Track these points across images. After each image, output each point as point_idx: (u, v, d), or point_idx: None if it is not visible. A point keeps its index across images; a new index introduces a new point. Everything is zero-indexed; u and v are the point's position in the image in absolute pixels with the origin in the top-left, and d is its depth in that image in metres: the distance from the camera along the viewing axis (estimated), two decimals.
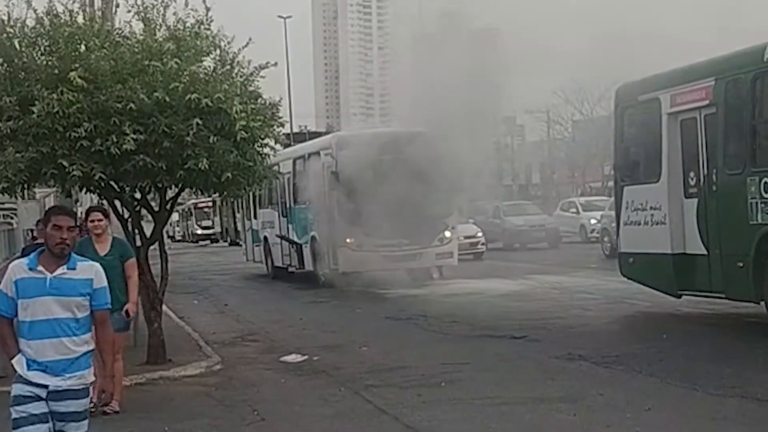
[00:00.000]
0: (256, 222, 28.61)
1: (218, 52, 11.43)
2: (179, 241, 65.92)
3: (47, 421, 5.32)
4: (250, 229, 29.59)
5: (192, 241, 62.65)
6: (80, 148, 10.46)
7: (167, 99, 10.52)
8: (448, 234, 22.13)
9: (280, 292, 23.31)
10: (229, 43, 11.49)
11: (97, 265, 5.62)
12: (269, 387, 10.85)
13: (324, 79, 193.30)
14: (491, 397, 9.45)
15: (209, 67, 11.31)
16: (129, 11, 11.30)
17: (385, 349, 12.87)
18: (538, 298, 18.11)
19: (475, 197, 29.09)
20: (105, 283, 5.55)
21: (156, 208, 12.57)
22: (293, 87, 61.07)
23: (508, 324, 14.42)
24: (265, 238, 27.41)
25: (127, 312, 9.29)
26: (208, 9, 11.35)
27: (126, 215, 12.62)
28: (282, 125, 12.42)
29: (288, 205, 25.32)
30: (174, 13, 11.31)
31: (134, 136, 10.39)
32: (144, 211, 12.97)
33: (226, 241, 53.63)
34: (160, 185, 11.56)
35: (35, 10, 11.04)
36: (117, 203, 12.43)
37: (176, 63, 10.62)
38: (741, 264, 12.46)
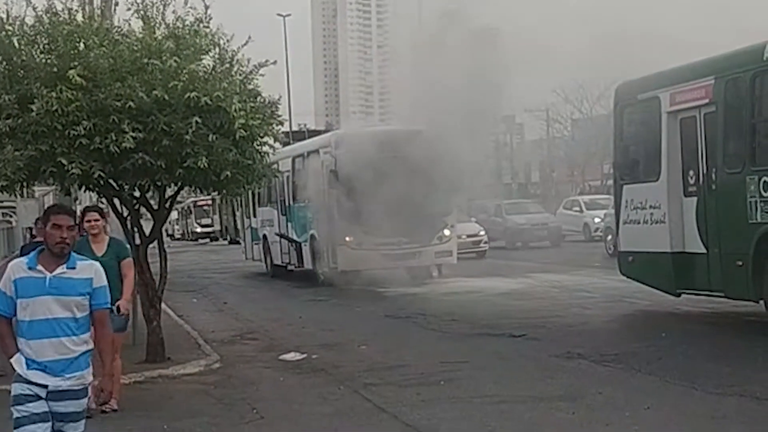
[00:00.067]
0: (256, 220, 28.62)
1: (217, 50, 11.42)
2: (178, 239, 65.92)
3: (48, 420, 5.30)
4: (249, 228, 29.59)
5: (191, 240, 62.66)
6: (79, 146, 10.45)
7: (166, 97, 10.51)
8: (447, 232, 22.14)
9: (279, 290, 23.31)
10: (228, 41, 11.49)
11: (97, 264, 5.61)
12: (268, 385, 10.85)
13: (323, 77, 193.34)
14: (490, 395, 9.45)
15: (208, 65, 11.30)
16: (129, 9, 11.30)
17: (384, 348, 12.87)
18: (537, 297, 18.11)
19: (474, 196, 29.10)
20: (105, 283, 5.53)
21: (155, 207, 12.57)
22: (292, 85, 61.14)
23: (508, 322, 14.43)
24: (265, 236, 27.42)
25: (118, 308, 9.20)
26: (207, 7, 11.34)
27: (125, 213, 12.60)
28: (281, 123, 12.42)
29: (287, 204, 25.33)
30: (173, 12, 11.31)
31: (133, 135, 10.38)
32: (143, 210, 12.96)
33: (225, 239, 53.61)
34: (159, 183, 11.56)
35: (34, 8, 11.04)
36: (116, 201, 12.42)
37: (175, 61, 10.61)
38: (740, 263, 12.46)
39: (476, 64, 18.89)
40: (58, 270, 5.37)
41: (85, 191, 14.45)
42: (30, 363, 5.32)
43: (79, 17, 11.19)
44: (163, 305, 12.86)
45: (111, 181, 11.40)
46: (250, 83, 11.56)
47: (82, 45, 10.61)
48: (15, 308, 5.36)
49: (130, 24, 11.42)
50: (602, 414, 8.49)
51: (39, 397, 5.29)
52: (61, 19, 10.93)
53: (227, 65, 11.41)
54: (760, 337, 12.12)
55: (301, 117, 72.89)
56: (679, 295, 14.34)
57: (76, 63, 10.42)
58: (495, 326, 14.12)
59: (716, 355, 10.94)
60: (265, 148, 11.91)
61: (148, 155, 10.60)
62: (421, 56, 22.13)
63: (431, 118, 19.96)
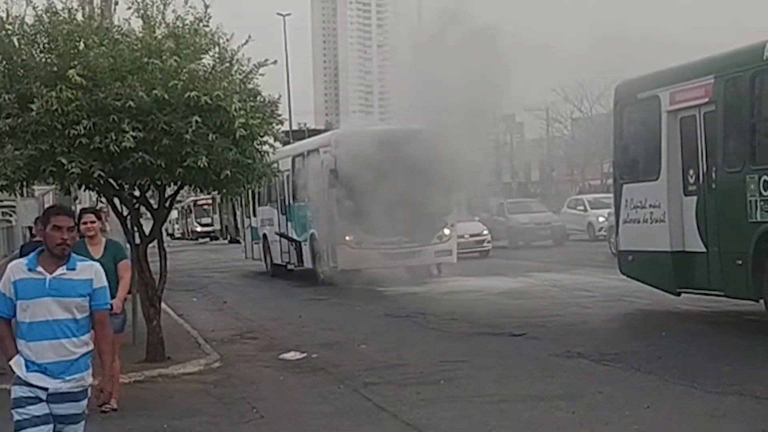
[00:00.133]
0: (255, 219, 28.62)
1: (217, 49, 11.42)
2: (179, 238, 65.88)
3: (50, 422, 5.29)
4: (249, 227, 29.60)
5: (191, 239, 62.63)
6: (79, 145, 10.45)
7: (166, 96, 10.51)
8: (447, 231, 22.15)
9: (279, 289, 23.31)
10: (228, 40, 11.49)
11: (97, 264, 5.60)
12: (268, 384, 10.85)
13: (323, 76, 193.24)
14: (490, 394, 9.46)
15: (208, 64, 11.29)
16: (129, 8, 11.29)
17: (384, 347, 12.87)
18: (537, 296, 18.11)
19: (473, 195, 29.10)
20: (105, 283, 5.51)
21: (155, 206, 12.57)
22: (292, 84, 61.11)
23: (507, 321, 14.43)
24: (264, 235, 27.42)
25: (111, 308, 9.11)
26: (207, 6, 11.33)
27: (125, 213, 12.61)
28: (281, 123, 12.42)
29: (287, 203, 25.34)
30: (173, 11, 11.31)
31: (133, 134, 10.37)
32: (143, 209, 12.96)
33: (225, 238, 53.59)
34: (159, 183, 11.57)
35: (34, 8, 11.04)
36: (116, 201, 12.42)
37: (175, 61, 10.61)
38: (740, 262, 12.46)
39: (476, 64, 18.89)
40: (58, 271, 5.35)
41: (84, 190, 14.44)
42: (29, 365, 5.30)
43: (79, 16, 11.19)
44: (163, 304, 12.86)
45: (111, 180, 11.40)
46: (250, 82, 11.56)
47: (81, 44, 10.61)
48: (14, 309, 5.34)
49: (129, 23, 11.42)
50: (602, 413, 8.49)
51: (40, 399, 5.28)
52: (60, 18, 10.92)
53: (227, 64, 11.41)
54: (759, 336, 12.12)
55: (301, 116, 72.99)
56: (678, 294, 14.35)
57: (75, 62, 10.42)
58: (495, 325, 14.13)
59: (716, 354, 10.95)
60: (265, 148, 11.91)
61: (148, 154, 10.60)
62: (421, 56, 22.13)
63: (431, 117, 19.96)
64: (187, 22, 11.27)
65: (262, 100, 11.66)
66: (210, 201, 58.35)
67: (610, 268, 18.79)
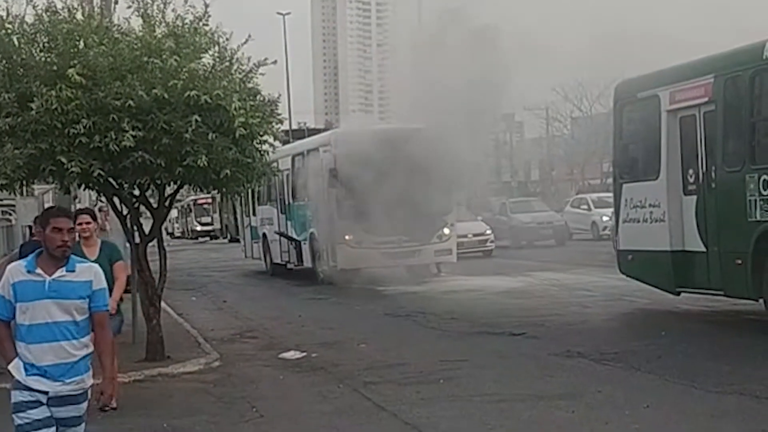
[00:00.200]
0: (255, 219, 28.62)
1: (217, 48, 11.42)
2: (178, 237, 65.86)
3: (52, 425, 5.27)
4: (248, 226, 29.59)
5: (191, 238, 62.63)
6: (79, 144, 10.45)
7: (166, 96, 10.51)
8: (447, 231, 22.15)
9: (278, 288, 23.30)
10: (227, 39, 11.48)
11: (96, 266, 5.56)
12: (268, 384, 10.85)
13: (323, 75, 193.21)
14: (489, 394, 9.45)
15: (208, 63, 11.30)
16: (129, 7, 11.29)
17: (383, 346, 12.87)
18: (537, 295, 18.11)
19: (473, 195, 29.09)
20: (104, 285, 5.49)
21: (155, 205, 12.56)
22: (292, 83, 61.12)
23: (507, 321, 14.43)
24: (264, 234, 27.42)
25: None
26: (207, 5, 11.33)
27: (125, 212, 12.61)
28: (281, 122, 12.43)
29: (287, 202, 25.33)
30: (173, 10, 11.31)
31: (133, 133, 10.37)
32: (143, 208, 12.96)
33: (225, 237, 53.58)
34: (158, 182, 11.56)
35: (34, 7, 11.03)
36: (116, 200, 12.42)
37: (175, 60, 10.60)
38: (739, 261, 12.47)
39: (476, 64, 18.89)
40: (58, 273, 5.32)
41: (84, 190, 14.44)
42: (29, 368, 5.27)
43: (79, 15, 11.17)
44: (162, 303, 12.86)
45: (111, 179, 11.39)
46: (249, 82, 11.56)
47: (81, 43, 10.60)
48: (13, 312, 5.31)
49: (129, 22, 11.42)
50: (602, 412, 8.49)
51: (40, 403, 5.25)
52: (60, 17, 10.92)
53: (227, 64, 11.40)
54: (759, 335, 12.13)
55: (300, 115, 73.02)
56: (678, 294, 14.35)
57: (75, 61, 10.42)
58: (494, 325, 14.13)
59: (716, 354, 10.95)
60: (265, 147, 11.90)
61: (147, 154, 10.60)
62: (421, 56, 22.14)
63: (431, 117, 19.96)
64: (187, 21, 11.27)
65: (261, 99, 11.66)
66: (210, 200, 58.33)
67: (610, 268, 18.79)
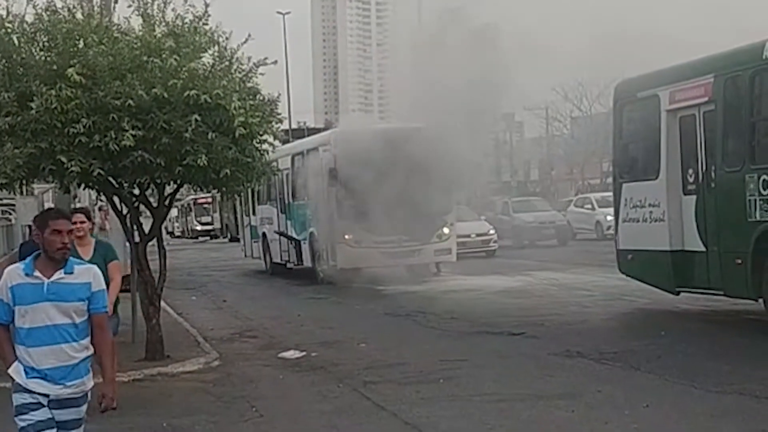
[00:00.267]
0: (255, 218, 28.62)
1: (216, 48, 11.42)
2: (178, 237, 65.83)
3: (54, 427, 5.26)
4: (248, 226, 29.59)
5: (191, 237, 62.62)
6: (79, 144, 10.44)
7: (166, 95, 10.51)
8: (446, 230, 22.15)
9: (278, 288, 23.30)
10: (227, 39, 11.48)
11: (95, 267, 5.52)
12: (267, 383, 10.85)
13: (323, 75, 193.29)
14: (489, 393, 9.46)
15: (208, 63, 11.30)
16: (129, 6, 11.29)
17: (383, 346, 12.87)
18: (536, 295, 18.11)
19: (473, 194, 29.08)
20: (103, 286, 5.46)
21: (154, 204, 12.56)
22: (292, 83, 61.16)
23: (507, 321, 14.44)
24: (264, 234, 27.43)
25: None
26: (206, 5, 11.33)
27: (125, 211, 12.61)
28: (280, 121, 12.43)
29: (286, 202, 25.33)
30: (173, 9, 11.31)
31: (133, 132, 10.37)
32: (143, 207, 12.96)
33: (225, 237, 53.57)
34: (158, 181, 11.56)
35: (34, 6, 11.03)
36: (116, 199, 12.42)
37: (175, 59, 10.60)
38: (739, 261, 12.47)
39: (476, 64, 18.90)
40: (56, 275, 5.28)
41: (84, 189, 14.43)
42: (29, 371, 5.25)
43: (79, 15, 11.18)
44: (162, 303, 12.86)
45: (110, 178, 11.39)
46: (249, 81, 11.56)
47: (81, 43, 10.61)
48: (12, 315, 5.28)
49: (129, 22, 11.42)
50: (601, 412, 8.48)
51: (42, 405, 5.24)
52: (60, 16, 10.92)
53: (227, 63, 11.41)
54: (759, 335, 12.13)
55: (300, 115, 73.14)
56: (678, 294, 14.35)
57: (75, 61, 10.42)
58: (494, 324, 14.13)
59: (715, 354, 10.95)
60: (265, 146, 11.91)
61: (147, 153, 10.60)
62: (421, 56, 22.15)
63: (431, 117, 19.96)
64: (186, 20, 11.27)
65: (261, 98, 11.66)
66: (210, 199, 58.30)
67: (610, 267, 18.80)
